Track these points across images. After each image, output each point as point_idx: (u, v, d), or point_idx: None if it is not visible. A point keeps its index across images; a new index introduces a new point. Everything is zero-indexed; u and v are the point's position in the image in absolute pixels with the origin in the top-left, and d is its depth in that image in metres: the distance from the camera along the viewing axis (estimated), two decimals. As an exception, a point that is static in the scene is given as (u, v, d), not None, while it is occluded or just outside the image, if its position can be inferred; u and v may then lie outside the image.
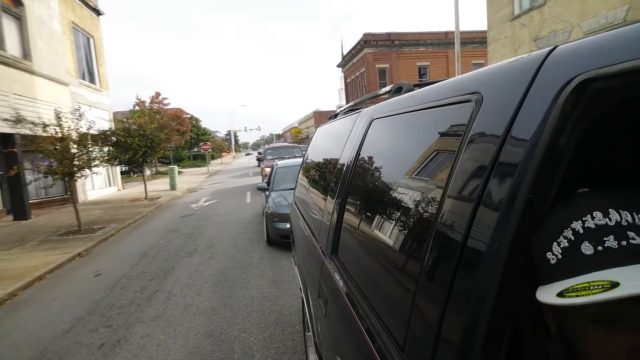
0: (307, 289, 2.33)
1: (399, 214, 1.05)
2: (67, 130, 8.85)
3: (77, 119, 9.20)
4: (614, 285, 0.47)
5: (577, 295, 0.49)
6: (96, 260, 7.03)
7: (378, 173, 1.38)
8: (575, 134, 0.56)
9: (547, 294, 0.54)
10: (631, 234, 0.50)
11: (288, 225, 5.09)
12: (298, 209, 3.16)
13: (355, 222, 1.47)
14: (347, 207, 1.59)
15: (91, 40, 16.68)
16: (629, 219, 0.51)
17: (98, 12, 17.32)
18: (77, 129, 9.18)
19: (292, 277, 5.15)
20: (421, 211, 0.91)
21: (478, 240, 0.64)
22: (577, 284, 0.50)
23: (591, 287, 0.49)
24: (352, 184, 1.58)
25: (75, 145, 8.95)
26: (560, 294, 0.51)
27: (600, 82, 0.52)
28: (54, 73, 12.80)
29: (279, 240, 6.43)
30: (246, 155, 77.03)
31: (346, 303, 1.34)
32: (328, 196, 1.96)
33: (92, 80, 16.53)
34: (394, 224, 1.08)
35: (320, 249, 1.92)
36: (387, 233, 1.11)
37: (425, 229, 0.84)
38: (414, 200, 0.96)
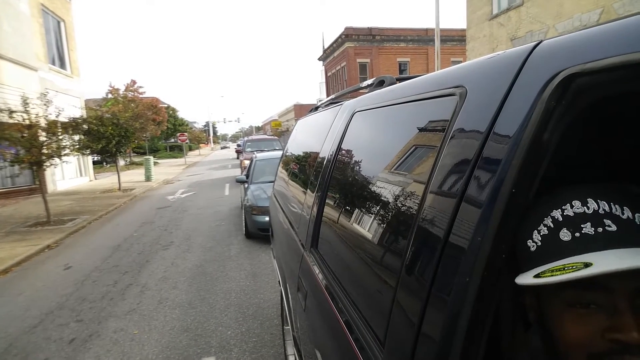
0: (286, 283, 2.31)
1: (380, 209, 1.05)
2: (35, 117, 8.46)
3: (45, 104, 8.80)
4: (587, 265, 0.49)
5: (552, 275, 0.51)
6: (66, 253, 6.79)
7: (359, 167, 1.36)
8: (559, 129, 0.56)
9: (525, 277, 0.56)
10: (607, 221, 0.52)
11: (267, 218, 5.06)
12: (277, 202, 3.13)
13: (336, 215, 1.46)
14: (327, 200, 1.58)
15: (62, 24, 15.95)
16: (606, 208, 0.53)
17: (69, -5, 16.57)
18: (46, 115, 8.79)
19: (270, 271, 5.13)
20: (403, 206, 0.90)
21: (460, 235, 0.64)
22: (553, 267, 0.52)
23: (566, 268, 0.50)
24: (332, 178, 1.57)
25: (44, 133, 8.58)
26: (537, 276, 0.53)
27: (584, 77, 0.52)
28: (21, 57, 12.18)
29: (258, 233, 6.38)
30: (222, 148, 61.80)
31: (326, 297, 1.33)
32: (308, 189, 1.94)
33: (62, 65, 15.84)
34: (375, 218, 1.07)
35: (300, 243, 1.90)
36: (368, 227, 1.10)
37: (406, 223, 0.84)
38: (396, 195, 0.95)
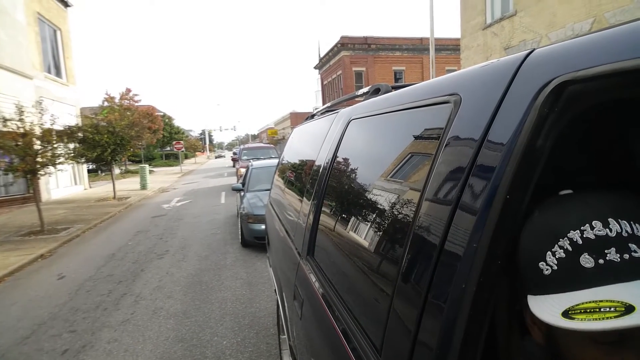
0: (282, 291, 2.30)
1: (376, 216, 1.05)
2: (30, 126, 8.42)
3: (40, 113, 8.77)
4: (629, 309, 0.44)
5: (588, 319, 0.46)
6: (60, 262, 6.71)
7: (355, 174, 1.37)
8: (552, 136, 0.56)
9: (549, 312, 0.50)
10: (633, 246, 0.48)
11: (263, 227, 5.03)
12: (274, 210, 3.12)
13: (332, 223, 1.46)
14: (323, 208, 1.58)
15: (58, 33, 15.97)
16: (629, 229, 0.49)
17: (66, 4, 16.62)
18: (41, 124, 8.75)
19: (266, 279, 5.09)
20: (399, 213, 0.90)
21: (456, 242, 0.64)
22: (584, 303, 0.47)
23: (602, 309, 0.45)
24: (328, 185, 1.57)
25: (38, 142, 8.53)
26: (566, 314, 0.48)
27: (577, 84, 0.52)
28: (17, 65, 12.16)
29: (254, 241, 6.34)
30: (217, 157, 51.37)
31: (322, 305, 1.32)
32: (304, 197, 1.94)
33: (58, 74, 15.83)
34: (371, 226, 1.07)
35: (296, 251, 1.89)
36: (364, 235, 1.10)
37: (402, 231, 0.84)
38: (392, 202, 0.95)
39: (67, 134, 10.24)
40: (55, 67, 15.68)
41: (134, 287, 5.23)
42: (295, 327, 1.83)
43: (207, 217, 9.91)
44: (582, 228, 0.51)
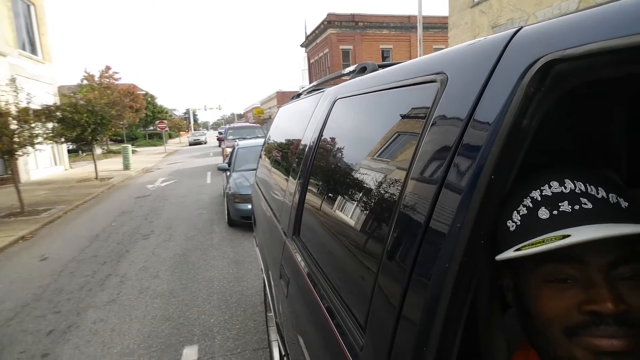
0: (269, 270, 2.31)
1: (361, 195, 1.05)
2: (5, 105, 8.09)
3: (14, 91, 8.43)
4: (565, 236, 0.50)
5: (533, 246, 0.52)
6: (42, 244, 6.60)
7: (341, 154, 1.36)
8: (538, 116, 0.56)
9: (506, 253, 0.57)
10: (583, 199, 0.54)
11: (249, 206, 5.02)
12: (260, 189, 3.11)
13: (318, 203, 1.46)
14: (309, 188, 1.57)
15: (32, 8, 15.20)
16: (582, 187, 0.55)
17: (38, -24, 15.75)
18: (17, 103, 8.42)
19: (253, 258, 5.12)
20: (384, 192, 0.90)
21: (440, 221, 0.64)
22: (534, 241, 0.54)
23: (545, 241, 0.52)
24: (314, 165, 1.56)
25: (15, 121, 8.23)
26: (518, 250, 0.54)
27: (563, 63, 0.52)
28: (-12, 41, 11.58)
29: (240, 221, 6.34)
30: (193, 143, 38.66)
31: (307, 284, 1.34)
32: (290, 177, 1.93)
33: (33, 51, 15.15)
34: (356, 205, 1.07)
35: (282, 230, 1.90)
36: (350, 214, 1.10)
37: (388, 210, 0.84)
38: (377, 182, 0.95)
39: (45, 113, 9.87)
40: (30, 44, 14.99)
41: (119, 267, 5.20)
42: (281, 305, 1.85)
43: (193, 197, 9.83)
44: (542, 188, 0.58)
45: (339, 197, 1.24)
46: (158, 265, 5.20)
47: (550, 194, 0.57)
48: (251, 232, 4.67)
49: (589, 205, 0.53)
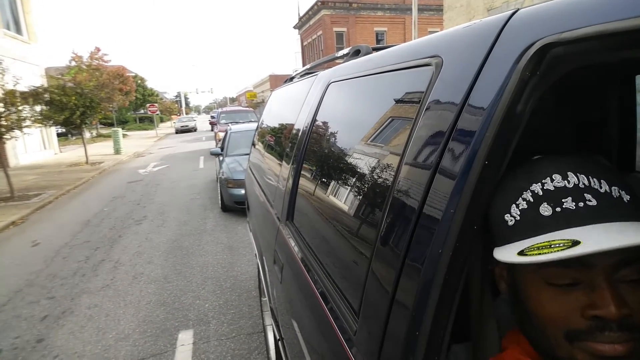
0: (263, 255, 2.32)
1: (355, 180, 1.04)
2: (-9, 87, 7.90)
3: (0, 73, 8.21)
4: (575, 243, 0.48)
5: (540, 253, 0.50)
6: (33, 229, 6.56)
7: (334, 138, 1.35)
8: (533, 101, 0.55)
9: (508, 254, 0.54)
10: (587, 195, 0.52)
11: (243, 191, 5.01)
12: (253, 174, 3.09)
13: (311, 188, 1.45)
14: (302, 172, 1.57)
15: (14, -17, 14.67)
16: (585, 181, 0.53)
17: (21, -49, 15.15)
18: (3, 85, 8.22)
19: (247, 244, 5.14)
20: (378, 177, 0.90)
21: (434, 206, 0.64)
22: (538, 243, 0.51)
23: (552, 246, 0.49)
24: (308, 149, 1.55)
25: (1, 104, 8.05)
26: (522, 253, 0.52)
27: (560, 47, 0.51)
28: (-30, 20, 11.20)
29: (234, 206, 6.33)
30: (179, 131, 32.65)
31: (301, 269, 1.34)
32: (283, 162, 1.92)
33: (18, 30, 14.69)
34: (350, 190, 1.07)
35: (276, 215, 1.90)
36: (343, 199, 1.10)
37: (382, 195, 0.84)
38: (371, 167, 0.95)
39: (33, 95, 9.67)
40: (14, 23, 14.52)
41: (112, 253, 5.19)
42: (275, 290, 1.87)
43: (186, 182, 9.78)
44: (543, 181, 0.55)
45: (333, 182, 1.24)
46: (152, 250, 5.19)
47: (552, 188, 0.54)
48: (245, 217, 4.67)
49: (594, 202, 0.51)
